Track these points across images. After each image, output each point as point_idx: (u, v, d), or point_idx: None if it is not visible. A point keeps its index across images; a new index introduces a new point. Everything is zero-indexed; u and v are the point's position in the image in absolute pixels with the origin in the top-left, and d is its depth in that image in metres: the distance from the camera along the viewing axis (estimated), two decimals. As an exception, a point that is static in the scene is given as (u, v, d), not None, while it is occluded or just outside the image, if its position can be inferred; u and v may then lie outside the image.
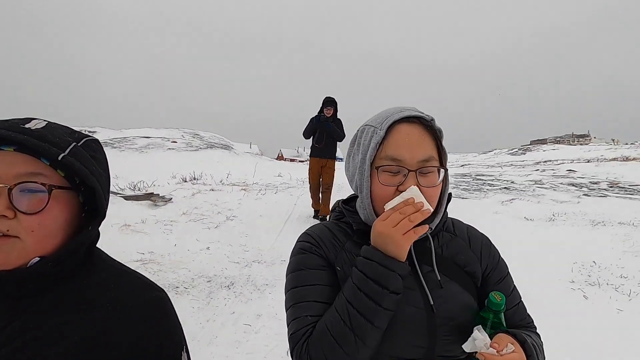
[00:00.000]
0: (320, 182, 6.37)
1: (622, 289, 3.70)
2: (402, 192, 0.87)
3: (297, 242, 1.00)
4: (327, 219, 4.72)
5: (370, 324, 0.77)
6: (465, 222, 1.07)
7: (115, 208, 5.59)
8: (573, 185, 9.19)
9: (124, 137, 14.95)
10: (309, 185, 6.53)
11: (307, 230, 1.02)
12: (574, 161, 16.18)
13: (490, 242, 1.04)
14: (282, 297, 3.09)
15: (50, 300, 0.68)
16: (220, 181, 9.41)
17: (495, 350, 0.78)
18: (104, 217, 0.74)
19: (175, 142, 14.27)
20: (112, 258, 0.82)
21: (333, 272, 0.92)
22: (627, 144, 29.67)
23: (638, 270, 4.09)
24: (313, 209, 6.54)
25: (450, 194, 0.99)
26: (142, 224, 5.17)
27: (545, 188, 8.89)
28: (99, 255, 0.79)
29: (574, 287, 3.80)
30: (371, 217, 0.91)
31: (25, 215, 0.64)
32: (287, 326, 0.89)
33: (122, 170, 10.48)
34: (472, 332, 0.82)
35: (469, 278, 0.95)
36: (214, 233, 5.22)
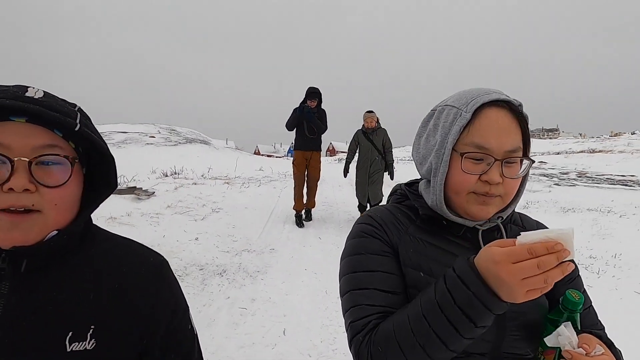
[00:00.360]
0: (305, 176, 5.97)
1: (592, 268, 3.97)
2: (484, 181, 0.80)
3: (356, 224, 0.93)
4: (311, 213, 4.69)
5: (445, 347, 0.68)
6: (533, 218, 1.00)
7: (99, 202, 5.55)
8: (544, 175, 9.62)
9: (100, 132, 14.53)
10: (293, 181, 5.99)
11: (367, 211, 0.95)
12: (544, 154, 16.81)
13: None
14: (275, 281, 3.22)
15: (62, 273, 0.68)
16: (202, 175, 9.38)
17: (585, 352, 0.71)
18: (115, 186, 0.75)
19: (154, 137, 14.08)
20: (105, 230, 0.81)
21: (396, 258, 0.85)
22: (592, 137, 30.91)
23: (605, 251, 4.39)
24: (295, 213, 5.84)
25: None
26: (127, 216, 5.16)
27: (519, 179, 9.26)
28: (95, 228, 0.78)
29: (548, 268, 4.06)
30: (440, 204, 0.84)
31: (47, 189, 0.63)
32: (344, 313, 0.84)
33: (100, 165, 10.30)
34: (540, 331, 0.79)
35: None
36: (200, 225, 5.27)
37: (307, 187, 6.04)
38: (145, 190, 6.69)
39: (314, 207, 6.15)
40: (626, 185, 8.10)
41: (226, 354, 2.52)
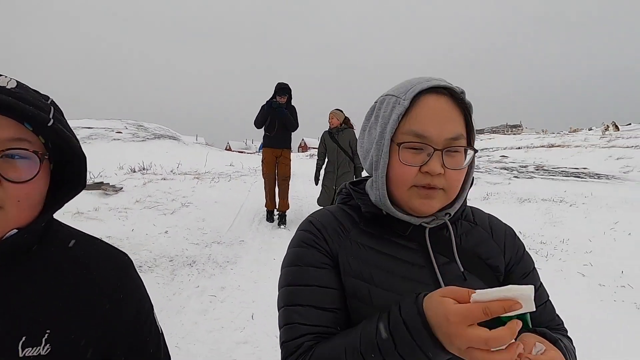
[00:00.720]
0: (275, 175, 5.78)
1: (541, 252, 4.28)
2: (424, 172, 0.76)
3: (297, 230, 0.87)
4: (285, 216, 4.59)
5: None
6: (486, 212, 0.96)
7: (64, 197, 5.49)
8: (505, 169, 10.07)
9: (64, 128, 14.12)
10: (263, 179, 5.84)
11: (309, 217, 0.88)
12: (506, 148, 17.50)
13: (515, 233, 0.93)
14: (244, 271, 3.36)
15: (20, 273, 0.64)
16: (171, 171, 9.31)
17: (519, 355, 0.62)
18: (84, 185, 0.71)
19: (121, 132, 13.78)
20: (69, 226, 0.77)
21: (335, 270, 0.80)
22: (553, 133, 32.32)
23: (555, 237, 4.73)
24: (266, 209, 5.78)
25: (472, 179, 0.87)
26: (95, 211, 5.13)
27: (481, 172, 9.68)
28: (57, 224, 0.74)
29: (502, 253, 4.35)
30: (383, 199, 0.80)
31: (12, 184, 0.58)
32: (279, 329, 0.79)
33: (64, 161, 10.06)
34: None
35: (492, 272, 0.83)
36: (170, 219, 5.29)
37: (278, 186, 5.81)
38: (113, 186, 6.62)
39: (287, 209, 5.79)
40: (578, 177, 8.62)
41: (195, 338, 2.62)
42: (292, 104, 5.77)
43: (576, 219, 5.37)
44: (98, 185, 6.40)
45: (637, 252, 4.12)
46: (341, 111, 5.67)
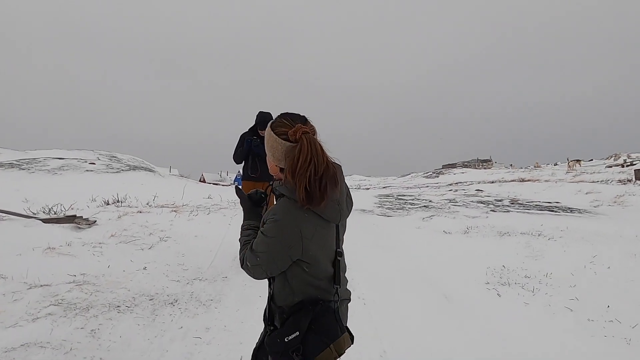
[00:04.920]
0: None
1: (527, 287, 4.29)
2: None
3: None
4: None
5: None
6: None
7: (33, 231, 5.20)
8: (482, 202, 10.28)
9: (33, 158, 13.64)
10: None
11: None
12: (479, 182, 17.96)
13: None
14: (229, 310, 3.19)
15: None
16: (148, 203, 9.05)
17: None
18: None
19: (94, 163, 13.40)
20: None
21: None
22: (521, 168, 33.63)
23: (538, 271, 4.77)
24: None
25: None
26: (67, 246, 4.85)
27: (459, 205, 9.84)
28: None
29: (489, 288, 4.34)
30: None
31: None
32: None
33: (33, 193, 9.62)
34: None
35: None
36: (148, 254, 5.07)
37: None
38: (86, 219, 6.34)
39: None
40: (552, 211, 8.87)
41: (181, 385, 2.44)
42: None
43: (556, 253, 5.46)
44: (71, 219, 6.11)
45: (619, 285, 4.20)
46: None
